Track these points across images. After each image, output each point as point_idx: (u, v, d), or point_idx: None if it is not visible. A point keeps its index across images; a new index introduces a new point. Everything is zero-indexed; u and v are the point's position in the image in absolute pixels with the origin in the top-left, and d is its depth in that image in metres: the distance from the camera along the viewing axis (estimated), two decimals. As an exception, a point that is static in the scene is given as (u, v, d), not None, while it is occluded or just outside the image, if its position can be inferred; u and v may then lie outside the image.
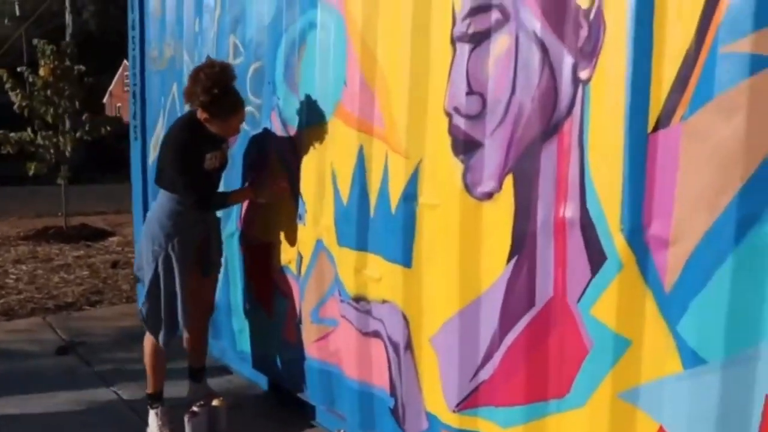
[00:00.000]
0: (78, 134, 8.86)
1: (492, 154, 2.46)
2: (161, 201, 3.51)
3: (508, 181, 2.40)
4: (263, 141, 3.73)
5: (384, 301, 3.01)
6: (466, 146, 2.55)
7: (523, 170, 2.35)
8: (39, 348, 4.99)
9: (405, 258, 2.86)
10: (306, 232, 3.45)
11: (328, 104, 3.23)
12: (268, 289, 3.83)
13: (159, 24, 4.79)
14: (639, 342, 2.09)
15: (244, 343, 4.12)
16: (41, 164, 8.74)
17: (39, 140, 8.63)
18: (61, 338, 5.18)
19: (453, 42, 2.56)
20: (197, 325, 3.81)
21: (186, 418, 3.53)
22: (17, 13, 23.15)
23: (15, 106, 8.61)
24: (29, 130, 8.68)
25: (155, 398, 3.62)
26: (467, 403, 2.66)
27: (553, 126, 2.24)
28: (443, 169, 2.64)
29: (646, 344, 2.08)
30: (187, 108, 3.54)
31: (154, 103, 5.00)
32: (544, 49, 2.24)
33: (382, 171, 2.94)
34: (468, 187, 2.55)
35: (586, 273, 2.18)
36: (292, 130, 3.50)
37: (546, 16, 2.24)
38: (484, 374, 2.58)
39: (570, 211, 2.22)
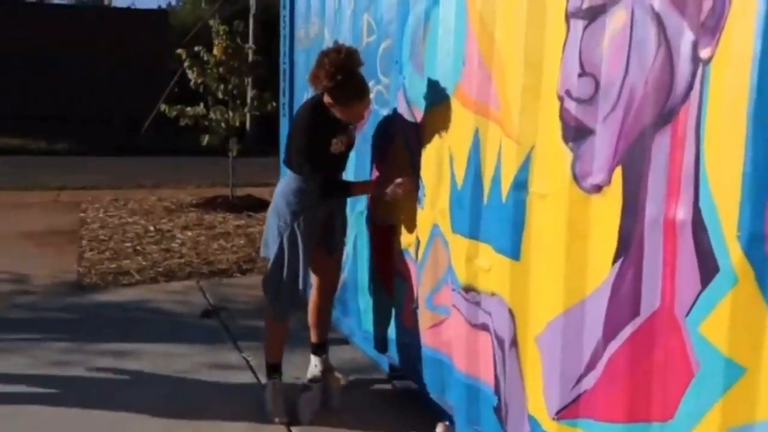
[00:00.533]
0: (246, 110, 9.28)
1: (603, 143, 2.23)
2: (288, 179, 3.55)
3: (618, 173, 2.17)
4: (390, 122, 3.67)
5: (493, 294, 2.86)
6: (576, 133, 2.33)
7: (633, 161, 2.11)
8: (187, 309, 5.31)
9: (513, 250, 2.69)
10: (424, 216, 3.36)
11: (448, 85, 3.10)
12: (389, 271, 3.78)
13: (305, 2, 4.86)
14: (755, 371, 1.80)
15: (368, 323, 4.12)
16: (213, 137, 9.26)
17: (211, 115, 9.13)
18: (208, 302, 5.48)
19: (567, 18, 2.35)
20: (320, 301, 3.87)
21: (299, 392, 3.59)
22: (212, -5, 24.64)
23: (191, 83, 9.17)
24: (202, 105, 9.20)
25: (273, 369, 3.69)
26: (567, 411, 2.46)
27: (668, 112, 1.98)
28: (553, 157, 2.44)
29: (765, 375, 1.79)
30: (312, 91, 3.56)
31: (301, 81, 5.09)
32: (661, 25, 1.98)
33: (496, 156, 2.78)
34: (577, 178, 2.34)
35: (696, 284, 1.92)
36: (417, 111, 3.41)
37: (666, -13, 1.98)
38: (587, 383, 2.37)
39: (681, 210, 1.96)
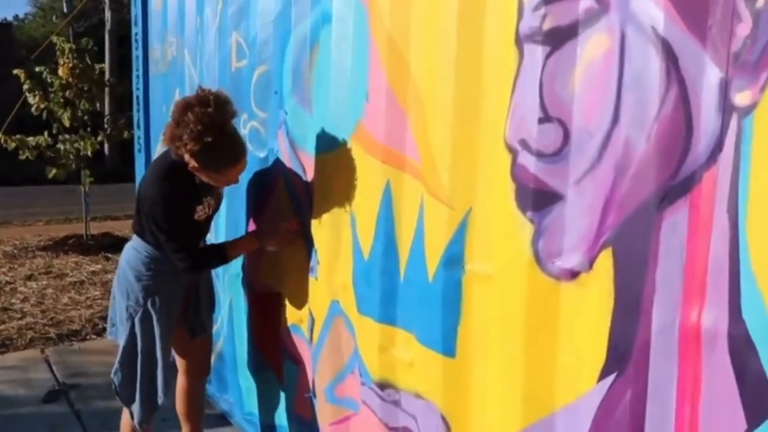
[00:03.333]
0: (99, 138, 8.23)
1: (578, 214, 1.63)
2: (137, 244, 2.80)
3: (605, 257, 1.56)
4: (269, 168, 2.96)
5: (418, 395, 2.21)
6: (537, 198, 1.71)
7: (629, 243, 1.51)
8: (27, 391, 4.33)
9: (446, 344, 2.05)
10: (319, 289, 2.67)
11: (346, 123, 2.44)
12: (276, 350, 3.07)
13: (161, 20, 4.06)
14: None
15: (252, 405, 3.39)
16: (60, 170, 8.15)
17: (59, 145, 8.01)
18: (55, 379, 4.52)
19: (519, 42, 1.73)
20: (190, 387, 3.13)
21: None
22: (65, 9, 22.99)
23: (32, 109, 8.01)
24: (46, 134, 8.06)
25: None
26: None
27: (685, 179, 1.39)
28: (502, 228, 1.82)
29: None
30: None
31: (157, 111, 4.28)
32: (669, 55, 1.40)
33: (416, 220, 2.13)
34: (539, 258, 1.73)
35: (736, 422, 1.34)
36: (304, 156, 2.72)
37: (675, 2, 1.40)
38: None
39: (711, 315, 1.37)
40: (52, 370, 4.66)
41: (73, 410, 4.06)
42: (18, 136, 8.00)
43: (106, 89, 8.56)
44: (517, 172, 1.76)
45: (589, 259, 1.60)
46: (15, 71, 8.11)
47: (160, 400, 2.86)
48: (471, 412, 2.02)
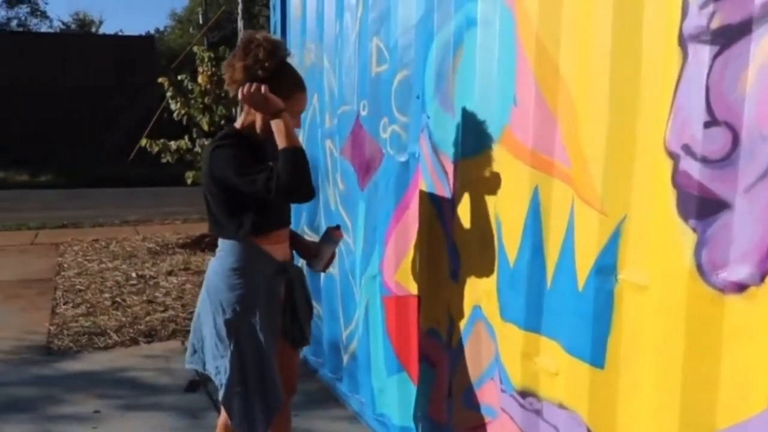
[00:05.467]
0: (235, 141, 8.54)
1: (748, 223, 1.54)
2: (220, 250, 2.60)
3: (781, 271, 1.48)
4: (409, 171, 2.98)
5: (561, 406, 2.16)
6: (702, 206, 1.64)
7: (810, 257, 1.42)
8: (170, 380, 4.56)
9: (595, 354, 1.99)
10: (461, 293, 2.66)
11: (492, 127, 2.42)
12: (412, 352, 3.08)
13: (300, 26, 4.18)
14: None
15: (384, 406, 3.42)
16: (199, 173, 8.56)
17: (197, 148, 8.42)
18: (194, 370, 4.73)
19: (683, 42, 1.66)
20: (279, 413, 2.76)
21: None
22: (201, 21, 24.18)
23: (174, 114, 8.47)
24: (187, 138, 8.50)
25: None
26: None
27: None
28: (661, 236, 1.75)
29: None
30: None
31: (295, 115, 4.41)
32: None
33: (566, 227, 2.08)
34: (702, 269, 1.64)
35: None
36: (445, 159, 2.72)
37: None
38: None
39: None
40: (192, 362, 4.90)
41: (212, 400, 4.24)
42: (161, 141, 8.47)
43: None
44: (679, 178, 1.69)
45: (762, 272, 1.51)
46: (159, 79, 8.60)
47: (277, 411, 2.62)
48: (618, 426, 1.96)
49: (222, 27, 21.41)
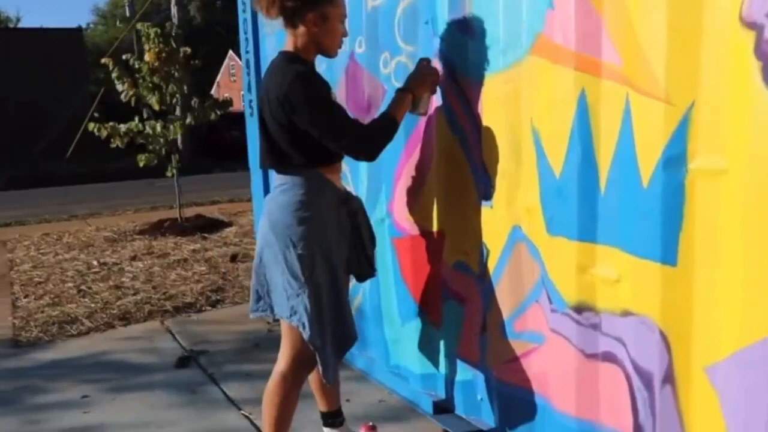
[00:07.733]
0: (188, 120, 8.26)
1: None
2: (281, 184, 2.52)
3: None
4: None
5: (626, 313, 2.08)
6: (793, 72, 1.57)
7: None
8: (157, 358, 4.37)
9: (666, 252, 1.92)
10: (494, 218, 2.55)
11: (522, 38, 2.32)
12: (434, 292, 2.97)
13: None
14: None
15: (400, 356, 3.31)
16: (151, 155, 8.23)
17: (148, 129, 8.08)
18: (181, 346, 4.54)
19: None
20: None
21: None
22: (127, 14, 23.48)
23: (122, 96, 8.11)
24: (137, 119, 8.15)
25: None
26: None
27: None
28: (740, 115, 1.68)
29: None
30: None
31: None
32: None
33: (620, 124, 2.00)
34: (795, 141, 1.58)
35: None
36: (465, 80, 2.60)
37: None
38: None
39: None
40: (176, 339, 4.70)
41: (207, 374, 4.06)
42: (110, 124, 8.10)
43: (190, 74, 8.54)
44: (763, 48, 1.62)
45: None
46: (103, 60, 8.23)
47: (350, 347, 2.61)
48: (695, 322, 1.89)
49: (150, 18, 20.86)
